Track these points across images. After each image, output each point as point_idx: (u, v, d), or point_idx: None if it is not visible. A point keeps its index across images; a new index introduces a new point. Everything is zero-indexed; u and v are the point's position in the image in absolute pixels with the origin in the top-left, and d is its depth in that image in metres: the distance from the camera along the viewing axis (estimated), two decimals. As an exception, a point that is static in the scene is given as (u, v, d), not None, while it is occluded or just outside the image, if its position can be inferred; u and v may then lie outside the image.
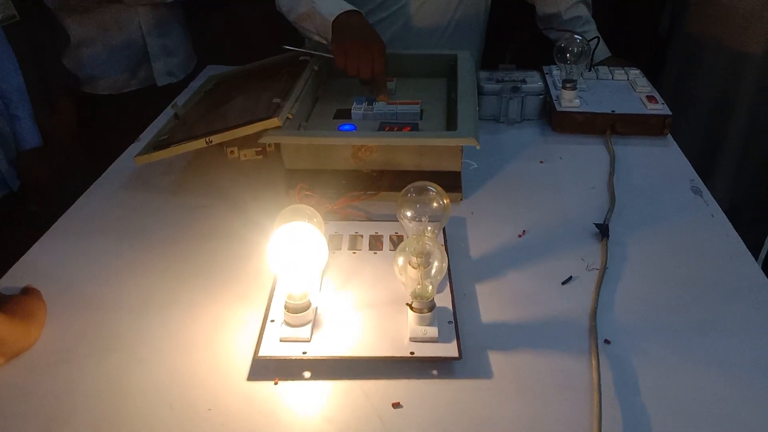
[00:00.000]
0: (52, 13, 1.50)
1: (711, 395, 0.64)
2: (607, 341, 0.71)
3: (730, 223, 0.94)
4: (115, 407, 0.64)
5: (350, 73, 1.10)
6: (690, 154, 1.63)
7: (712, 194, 1.73)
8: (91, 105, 1.59)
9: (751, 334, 0.72)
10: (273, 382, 0.66)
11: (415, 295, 0.70)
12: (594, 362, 0.68)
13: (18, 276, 0.83)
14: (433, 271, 0.70)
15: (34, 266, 0.86)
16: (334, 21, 1.13)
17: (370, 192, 0.99)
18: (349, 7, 1.16)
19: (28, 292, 0.77)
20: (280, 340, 0.69)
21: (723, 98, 1.62)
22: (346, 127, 1.06)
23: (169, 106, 1.19)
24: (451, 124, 1.05)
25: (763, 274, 0.83)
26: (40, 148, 1.37)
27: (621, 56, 1.49)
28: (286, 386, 0.66)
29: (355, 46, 1.08)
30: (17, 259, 0.87)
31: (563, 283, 0.81)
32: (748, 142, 1.63)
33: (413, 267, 0.71)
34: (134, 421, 0.62)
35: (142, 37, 1.55)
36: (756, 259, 1.80)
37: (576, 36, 1.22)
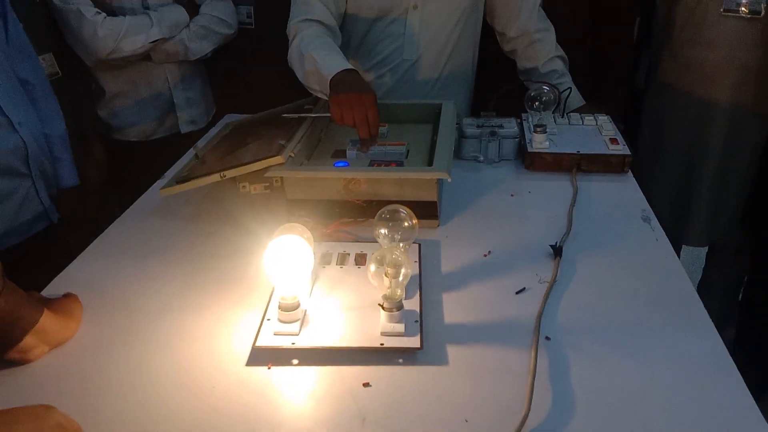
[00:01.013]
0: (89, 70, 1.72)
1: (629, 382, 0.77)
2: (547, 338, 0.85)
3: (671, 246, 1.07)
4: (137, 388, 0.78)
5: (346, 123, 1.23)
6: (667, 197, 1.77)
7: (690, 235, 1.85)
8: (122, 150, 1.79)
9: (668, 335, 0.85)
10: (267, 367, 0.81)
11: (386, 297, 0.85)
12: (533, 353, 0.81)
13: (59, 286, 0.99)
14: (401, 277, 0.85)
15: (73, 278, 1.02)
16: (331, 78, 1.30)
17: (359, 219, 1.14)
18: (347, 65, 1.32)
19: (68, 296, 0.92)
20: (274, 334, 0.84)
21: (696, 144, 1.74)
22: (341, 163, 1.23)
23: (192, 149, 1.37)
24: (431, 161, 1.21)
25: (693, 289, 0.96)
26: (78, 187, 1.55)
27: (597, 104, 1.64)
28: (278, 370, 0.80)
29: (349, 99, 1.22)
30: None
31: (517, 292, 0.95)
32: (721, 186, 1.75)
33: (385, 275, 0.85)
34: (152, 399, 0.77)
35: (169, 90, 1.76)
36: (737, 295, 1.91)
37: (544, 87, 1.39)
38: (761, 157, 1.67)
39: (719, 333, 0.86)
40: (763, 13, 1.56)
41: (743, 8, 1.58)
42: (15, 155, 1.29)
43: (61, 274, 1.04)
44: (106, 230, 1.18)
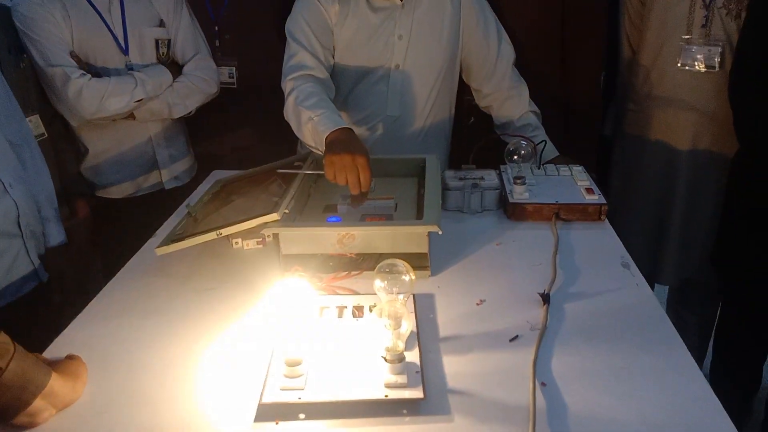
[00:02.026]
0: (74, 130, 1.75)
1: (623, 424, 0.81)
2: (543, 383, 0.89)
3: (651, 290, 1.13)
4: (146, 448, 0.79)
5: (339, 183, 1.27)
6: (639, 239, 1.85)
7: (662, 274, 1.94)
8: (106, 208, 1.80)
9: (656, 377, 0.90)
10: (275, 423, 0.82)
11: (389, 350, 0.88)
12: (531, 399, 0.84)
13: (60, 347, 1.00)
14: (402, 330, 0.88)
15: (73, 339, 1.03)
16: (327, 137, 1.34)
17: (354, 272, 1.18)
18: (343, 124, 1.37)
19: (72, 357, 0.93)
20: (280, 389, 0.86)
21: (663, 190, 1.85)
22: (333, 219, 1.27)
23: (184, 205, 1.40)
24: (419, 214, 1.27)
25: (674, 329, 1.02)
26: (64, 246, 1.55)
27: (570, 156, 1.73)
28: (286, 426, 0.82)
29: (343, 159, 1.26)
30: (44, 339, 1.03)
31: (511, 340, 0.99)
32: (689, 228, 1.85)
33: (386, 327, 0.89)
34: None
35: (152, 148, 1.79)
36: (710, 331, 1.98)
37: (522, 141, 1.47)
38: (725, 199, 1.78)
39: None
40: (717, 67, 1.68)
41: (699, 63, 1.70)
42: (6, 217, 1.30)
43: (60, 335, 1.04)
44: (102, 290, 1.19)
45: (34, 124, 1.64)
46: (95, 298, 1.16)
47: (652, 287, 1.89)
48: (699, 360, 2.07)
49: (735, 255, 1.73)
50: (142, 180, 1.80)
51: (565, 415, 0.83)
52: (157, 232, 1.42)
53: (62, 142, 1.74)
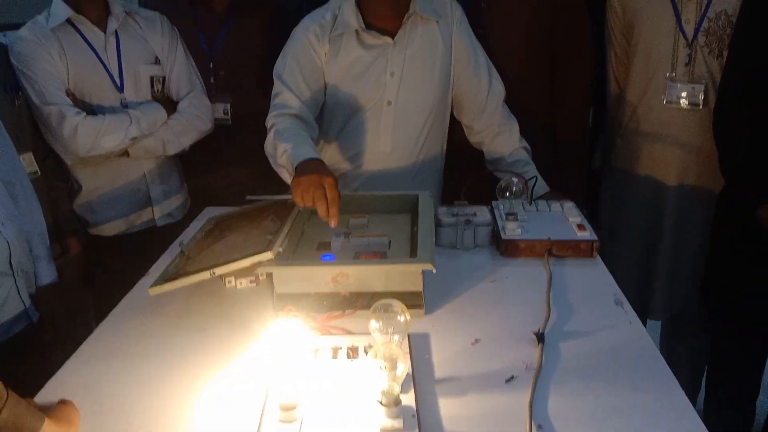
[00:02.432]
0: (67, 167, 1.75)
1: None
2: (540, 426, 0.88)
3: (643, 327, 1.14)
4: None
5: (306, 204, 1.26)
6: (628, 274, 1.87)
7: (652, 308, 1.95)
8: (98, 245, 1.79)
9: (652, 417, 0.90)
10: (270, 470, 0.81)
11: (384, 393, 0.87)
12: (529, 441, 0.84)
13: (52, 390, 0.98)
14: (398, 372, 0.88)
15: (66, 382, 1.01)
16: (296, 166, 1.36)
17: (348, 311, 1.18)
18: (314, 154, 1.40)
19: (64, 402, 0.92)
20: (276, 434, 0.85)
21: (651, 224, 1.88)
22: (327, 257, 1.27)
23: (177, 243, 1.40)
24: (413, 252, 1.27)
25: (668, 368, 1.02)
26: (55, 285, 1.54)
27: (560, 192, 1.74)
28: (281, 473, 0.81)
29: (309, 179, 1.26)
30: (34, 380, 1.02)
31: (507, 381, 0.99)
32: (678, 262, 1.87)
33: (382, 369, 0.88)
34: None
35: (146, 185, 1.79)
36: (703, 365, 1.98)
37: (514, 177, 1.49)
38: (711, 234, 1.80)
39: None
40: (701, 105, 1.72)
41: (683, 100, 1.75)
42: (-1, 255, 1.29)
43: (53, 377, 1.03)
44: (95, 331, 1.17)
45: (27, 161, 1.65)
46: (87, 340, 1.14)
47: (645, 322, 1.91)
48: (692, 394, 2.07)
49: (723, 290, 1.75)
50: (134, 217, 1.80)
51: (563, 459, 0.82)
52: (150, 270, 1.42)
53: (55, 180, 1.74)
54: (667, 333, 2.11)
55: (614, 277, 1.32)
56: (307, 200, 1.26)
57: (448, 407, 0.93)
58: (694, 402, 2.03)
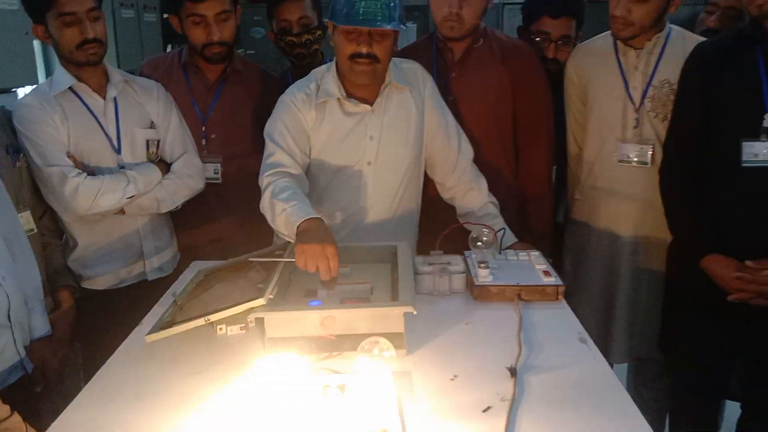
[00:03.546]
0: (63, 224, 1.83)
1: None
2: (515, 450, 0.98)
3: (606, 362, 1.26)
4: None
5: (310, 270, 1.38)
6: (591, 320, 1.99)
7: (613, 353, 2.06)
8: (90, 299, 1.85)
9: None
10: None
11: None
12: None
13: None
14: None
15: (67, 426, 1.08)
16: (298, 226, 1.47)
17: (335, 353, 1.27)
18: (313, 214, 1.50)
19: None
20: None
21: (610, 273, 2.02)
22: (315, 302, 1.37)
23: (169, 295, 1.48)
24: (395, 296, 1.38)
25: (630, 398, 1.13)
26: (48, 337, 1.59)
27: (527, 243, 1.88)
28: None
29: (313, 249, 1.37)
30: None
31: (484, 411, 1.09)
32: (636, 309, 2.00)
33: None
34: None
35: (139, 240, 1.88)
36: (666, 413, 2.07)
37: (484, 230, 1.62)
38: (665, 283, 1.94)
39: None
40: (649, 163, 1.90)
41: (634, 159, 1.93)
42: (-2, 308, 1.36)
43: (54, 422, 1.09)
44: (93, 378, 1.24)
45: (25, 219, 1.72)
46: (86, 386, 1.22)
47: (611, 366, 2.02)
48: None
49: (677, 337, 1.85)
50: (126, 271, 1.87)
51: (535, 476, 0.92)
52: (144, 320, 1.49)
53: (50, 236, 1.81)
54: (633, 375, 2.22)
55: (577, 321, 1.44)
56: (311, 268, 1.37)
57: (432, 436, 1.02)
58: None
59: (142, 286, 1.89)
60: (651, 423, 2.10)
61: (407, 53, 2.02)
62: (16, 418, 0.86)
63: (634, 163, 1.93)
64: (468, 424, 1.05)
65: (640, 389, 2.17)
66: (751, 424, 1.85)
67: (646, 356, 2.06)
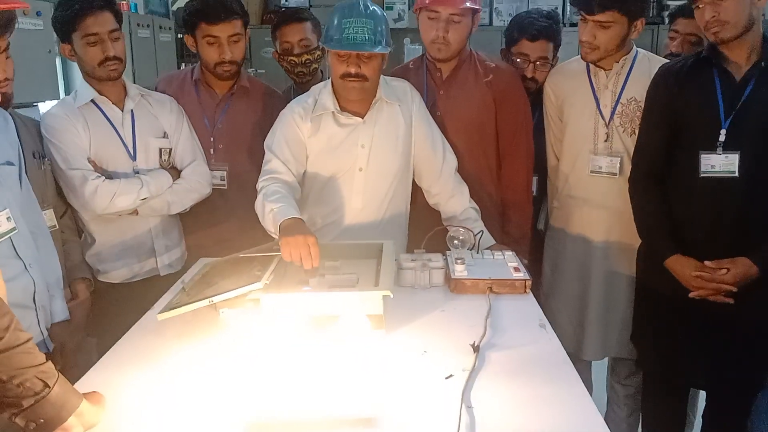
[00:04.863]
0: (82, 222, 2.02)
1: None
2: (469, 406, 1.14)
3: (560, 342, 1.42)
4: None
5: (294, 260, 1.56)
6: (568, 319, 2.15)
7: (587, 350, 2.20)
8: (105, 291, 2.03)
9: (556, 404, 1.17)
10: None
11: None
12: (458, 419, 1.10)
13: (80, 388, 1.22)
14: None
15: (92, 382, 1.26)
16: (280, 224, 1.66)
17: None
18: (295, 214, 1.69)
19: (95, 392, 1.15)
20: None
21: (584, 276, 2.17)
22: (307, 288, 1.54)
23: (178, 283, 1.66)
24: (377, 285, 1.55)
25: (575, 371, 1.29)
26: (67, 322, 1.76)
27: (504, 246, 2.05)
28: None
29: (295, 240, 1.56)
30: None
31: (446, 378, 1.25)
32: (609, 309, 2.15)
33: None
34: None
35: (151, 239, 2.06)
36: (639, 408, 2.22)
37: (461, 229, 1.80)
38: (636, 285, 2.10)
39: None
40: (618, 174, 2.07)
41: (604, 170, 2.10)
42: (25, 292, 1.54)
43: (76, 384, 1.26)
44: (111, 348, 1.42)
45: (48, 217, 1.91)
46: (106, 354, 1.40)
47: (578, 362, 2.16)
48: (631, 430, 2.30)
49: (648, 336, 2.01)
50: (139, 267, 2.05)
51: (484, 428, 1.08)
52: (155, 305, 1.67)
53: (70, 234, 2.00)
54: (608, 371, 2.36)
55: (553, 322, 1.59)
56: (294, 257, 1.56)
57: (402, 397, 1.20)
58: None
59: (153, 280, 2.07)
60: (626, 417, 2.28)
61: (401, 72, 2.22)
62: (49, 365, 1.03)
63: (604, 174, 2.10)
64: (433, 389, 1.22)
65: (615, 386, 2.31)
66: (715, 411, 2.00)
67: (618, 355, 2.20)
